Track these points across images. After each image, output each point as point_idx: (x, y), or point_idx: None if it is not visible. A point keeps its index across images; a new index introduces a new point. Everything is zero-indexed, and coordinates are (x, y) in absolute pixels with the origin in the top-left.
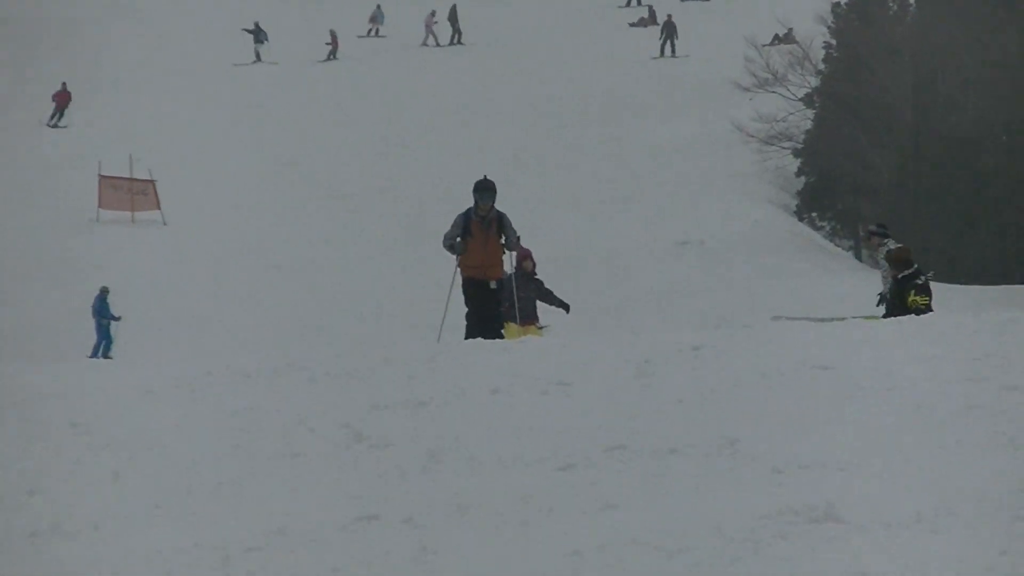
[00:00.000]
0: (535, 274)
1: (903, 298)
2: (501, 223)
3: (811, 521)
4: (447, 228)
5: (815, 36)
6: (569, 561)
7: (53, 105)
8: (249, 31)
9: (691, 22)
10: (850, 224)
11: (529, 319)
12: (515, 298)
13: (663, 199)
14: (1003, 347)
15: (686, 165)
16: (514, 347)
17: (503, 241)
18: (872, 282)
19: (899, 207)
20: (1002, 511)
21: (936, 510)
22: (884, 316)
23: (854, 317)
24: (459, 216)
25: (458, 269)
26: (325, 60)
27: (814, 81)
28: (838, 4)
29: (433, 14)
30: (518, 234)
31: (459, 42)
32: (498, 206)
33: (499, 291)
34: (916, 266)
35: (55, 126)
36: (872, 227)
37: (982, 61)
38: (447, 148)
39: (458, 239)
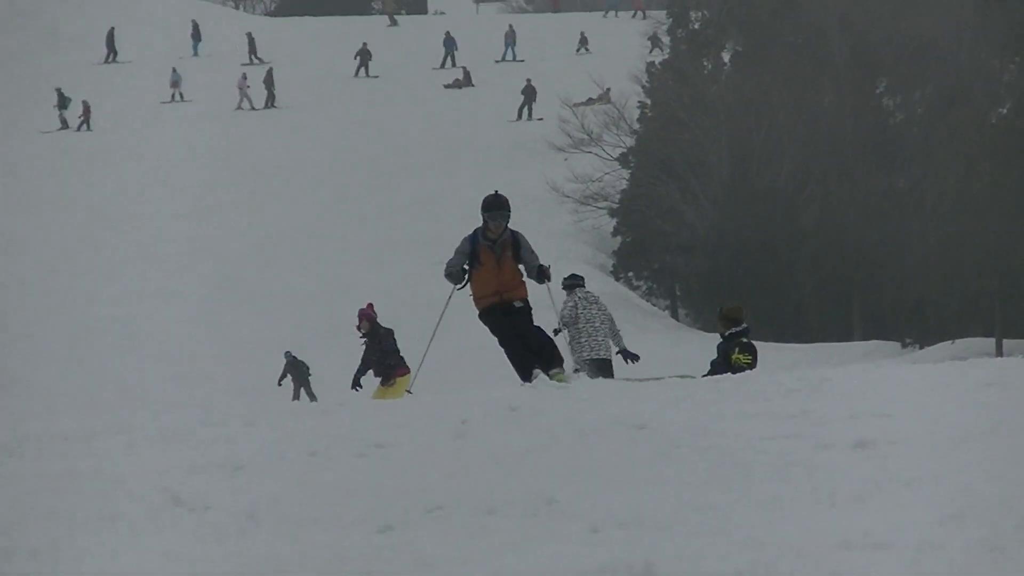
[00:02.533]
0: (379, 329)
1: (727, 356)
2: (517, 246)
3: None
4: (450, 255)
5: (630, 96)
6: None
7: None
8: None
9: (507, 83)
10: (667, 283)
11: (392, 375)
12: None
13: None
14: (819, 405)
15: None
16: (332, 409)
17: (520, 267)
18: (690, 341)
19: (716, 264)
20: (822, 565)
21: (754, 566)
22: (707, 374)
23: (670, 376)
24: (464, 240)
25: (465, 299)
26: (77, 130)
27: (629, 141)
28: (652, 64)
29: (245, 77)
30: (540, 261)
31: (273, 105)
32: (324, 259)
33: (528, 311)
34: (745, 325)
35: None
36: (565, 278)
37: (797, 117)
38: (262, 208)
39: (462, 268)
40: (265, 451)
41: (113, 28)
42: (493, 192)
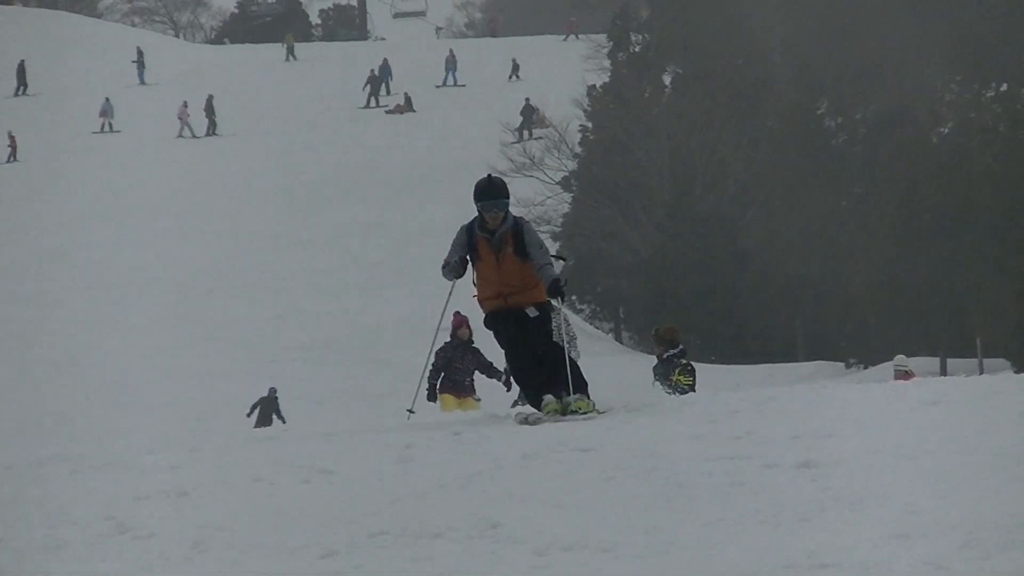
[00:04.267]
0: (472, 342)
1: (667, 378)
2: (520, 237)
3: None
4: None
5: (571, 120)
6: None
7: None
8: None
9: (448, 108)
10: (610, 305)
11: (466, 391)
12: (451, 369)
13: (424, 282)
14: (763, 425)
15: (445, 249)
16: (276, 436)
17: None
18: (634, 363)
19: (660, 287)
20: None
21: None
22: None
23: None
24: (461, 230)
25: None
26: (5, 163)
27: (571, 164)
28: (593, 87)
29: (185, 105)
30: (548, 251)
31: (215, 132)
32: (268, 286)
33: (545, 321)
34: (681, 346)
35: None
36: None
37: (740, 139)
38: (205, 236)
39: (462, 259)
40: (210, 478)
41: (23, 60)
42: (486, 176)
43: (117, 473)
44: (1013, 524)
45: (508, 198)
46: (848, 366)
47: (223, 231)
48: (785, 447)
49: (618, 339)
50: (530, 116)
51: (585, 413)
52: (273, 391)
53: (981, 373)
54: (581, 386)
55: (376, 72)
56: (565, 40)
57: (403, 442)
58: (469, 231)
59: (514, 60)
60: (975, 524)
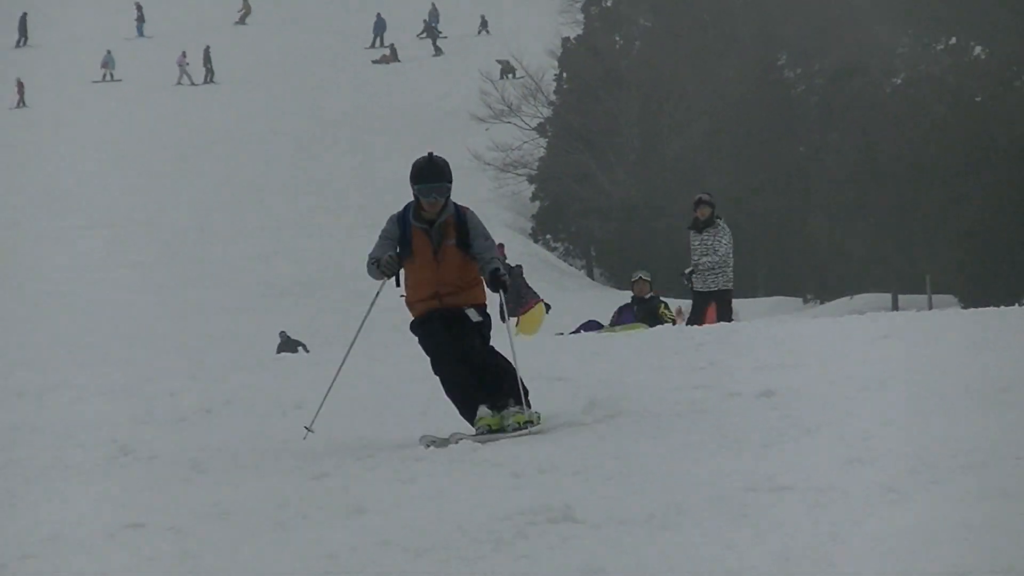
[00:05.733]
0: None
1: (655, 312)
2: (464, 226)
3: (549, 521)
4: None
5: (546, 70)
6: (323, 563)
7: None
8: None
9: (431, 59)
10: (583, 244)
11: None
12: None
13: None
14: (727, 357)
15: None
16: (265, 365)
17: (472, 256)
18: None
19: (629, 227)
20: (730, 507)
21: (667, 508)
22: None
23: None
24: (391, 220)
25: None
26: (14, 108)
27: (547, 111)
28: (567, 39)
29: (184, 55)
30: (494, 243)
31: (212, 80)
32: (259, 227)
33: (484, 326)
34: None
35: None
36: (702, 196)
37: (705, 89)
38: (200, 179)
39: (388, 256)
40: (208, 403)
41: (25, 13)
42: (426, 155)
43: (120, 399)
44: (959, 450)
45: (451, 181)
46: (805, 301)
47: (217, 174)
48: (747, 377)
49: (590, 275)
50: (508, 66)
51: (523, 426)
52: (284, 334)
53: (930, 308)
54: (519, 395)
55: (380, 17)
56: None
57: (392, 374)
58: (402, 222)
59: (482, 16)
60: (924, 450)
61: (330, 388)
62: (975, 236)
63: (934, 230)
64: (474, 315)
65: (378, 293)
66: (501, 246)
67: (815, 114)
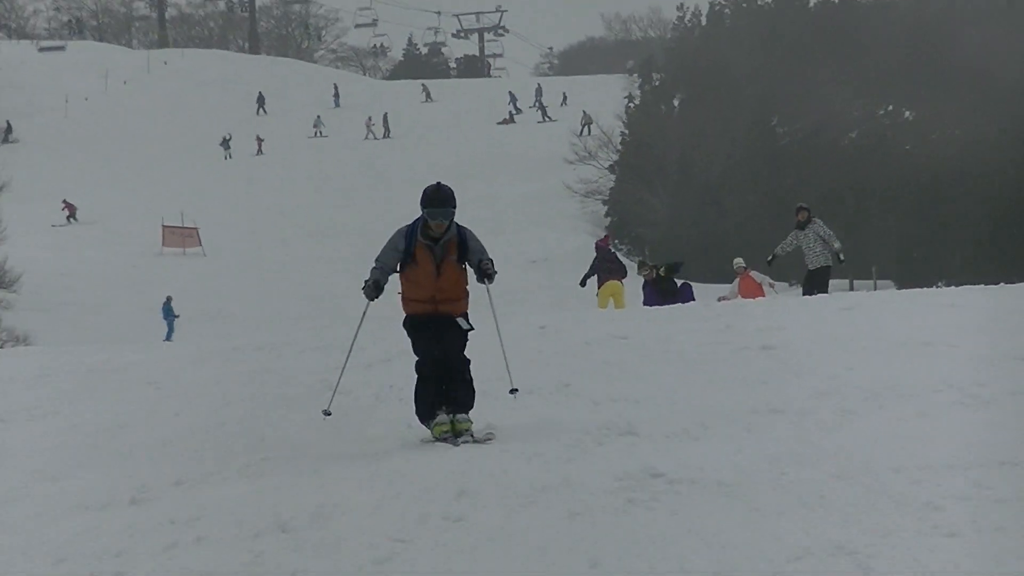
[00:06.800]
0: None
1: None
2: (464, 246)
3: (618, 434)
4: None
5: (615, 128)
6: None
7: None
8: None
9: (533, 121)
10: (639, 245)
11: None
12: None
13: (521, 232)
14: (737, 322)
15: (534, 211)
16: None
17: (468, 267)
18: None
19: (670, 233)
20: (740, 423)
21: (696, 425)
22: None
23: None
24: (399, 234)
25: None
26: (255, 155)
27: (615, 157)
28: (628, 106)
29: (370, 119)
30: (490, 258)
31: (388, 136)
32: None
33: (466, 334)
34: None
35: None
36: (801, 204)
37: (722, 140)
38: (376, 204)
39: (386, 275)
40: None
41: (261, 92)
42: (435, 184)
43: (333, 351)
44: (900, 385)
45: (455, 207)
46: (791, 285)
47: (385, 200)
48: (752, 336)
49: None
50: (588, 123)
51: (466, 434)
52: None
53: (875, 289)
54: (469, 404)
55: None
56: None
57: (507, 333)
58: (409, 236)
59: (564, 93)
60: (874, 385)
61: (340, 375)
62: (906, 237)
63: (876, 234)
64: (464, 324)
65: (364, 313)
66: (607, 238)
67: (797, 158)
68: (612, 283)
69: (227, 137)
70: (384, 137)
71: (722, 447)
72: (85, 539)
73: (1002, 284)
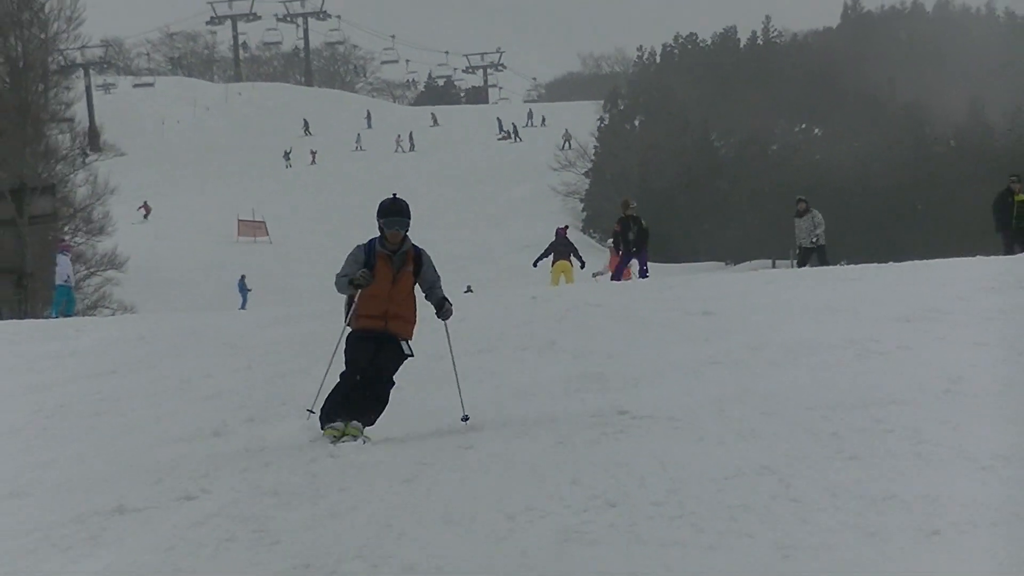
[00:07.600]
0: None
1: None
2: (420, 261)
3: (593, 380)
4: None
5: (589, 142)
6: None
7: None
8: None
9: (533, 138)
10: (608, 234)
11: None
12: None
13: (516, 223)
14: (685, 294)
15: (527, 206)
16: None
17: (420, 287)
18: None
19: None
20: (690, 371)
21: (654, 374)
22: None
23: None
24: (358, 248)
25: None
26: (310, 165)
27: (589, 165)
28: (600, 125)
29: (399, 137)
30: (440, 279)
31: (413, 150)
32: (431, 229)
33: (403, 359)
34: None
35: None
36: (800, 197)
37: (673, 153)
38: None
39: (363, 271)
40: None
41: (305, 118)
42: (391, 196)
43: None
44: (813, 341)
45: (409, 218)
46: (726, 264)
47: (418, 199)
48: (697, 303)
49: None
50: (568, 139)
51: (355, 437)
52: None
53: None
54: (371, 420)
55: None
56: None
57: (502, 303)
58: (368, 249)
59: (543, 116)
60: (793, 341)
61: (325, 375)
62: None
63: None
64: (407, 349)
65: (353, 307)
66: (566, 228)
67: (731, 165)
68: (563, 262)
69: (288, 151)
70: (410, 151)
71: (674, 390)
72: (178, 463)
73: (891, 262)
